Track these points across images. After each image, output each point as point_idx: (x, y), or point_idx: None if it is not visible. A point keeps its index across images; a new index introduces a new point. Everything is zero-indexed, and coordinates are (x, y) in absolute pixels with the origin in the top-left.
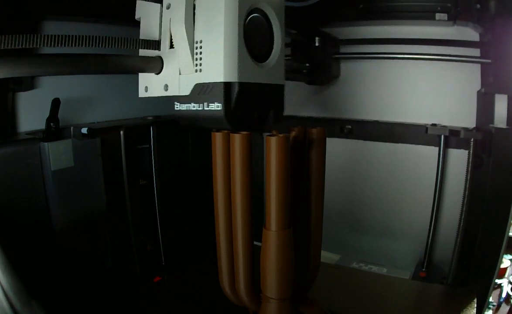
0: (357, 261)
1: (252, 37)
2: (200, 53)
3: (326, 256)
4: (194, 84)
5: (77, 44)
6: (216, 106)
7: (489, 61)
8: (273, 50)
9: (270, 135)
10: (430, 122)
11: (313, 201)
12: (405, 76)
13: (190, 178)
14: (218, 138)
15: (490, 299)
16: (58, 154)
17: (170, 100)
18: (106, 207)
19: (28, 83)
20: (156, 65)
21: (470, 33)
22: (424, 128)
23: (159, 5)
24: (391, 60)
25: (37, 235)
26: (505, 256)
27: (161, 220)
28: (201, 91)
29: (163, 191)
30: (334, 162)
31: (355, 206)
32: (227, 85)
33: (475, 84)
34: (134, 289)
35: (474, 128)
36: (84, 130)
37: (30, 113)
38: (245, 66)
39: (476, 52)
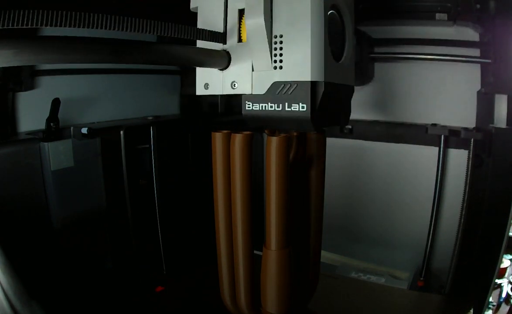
0: (356, 271)
1: (331, 34)
2: (280, 49)
3: (327, 256)
4: (271, 82)
5: (126, 27)
6: (300, 107)
7: (489, 61)
8: (346, 49)
9: (271, 135)
10: (430, 122)
11: (312, 209)
12: (405, 76)
13: (190, 178)
14: (218, 138)
15: (490, 299)
16: (58, 154)
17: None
18: (106, 207)
19: (28, 83)
20: (222, 59)
21: (470, 33)
22: (424, 128)
23: None
24: (391, 60)
25: (37, 235)
26: (505, 256)
27: (161, 219)
28: (280, 90)
29: (163, 191)
30: (334, 162)
31: (355, 207)
32: (313, 85)
33: (475, 84)
34: (136, 297)
35: (474, 128)
36: (84, 130)
37: (30, 113)
38: (329, 65)
39: (476, 52)
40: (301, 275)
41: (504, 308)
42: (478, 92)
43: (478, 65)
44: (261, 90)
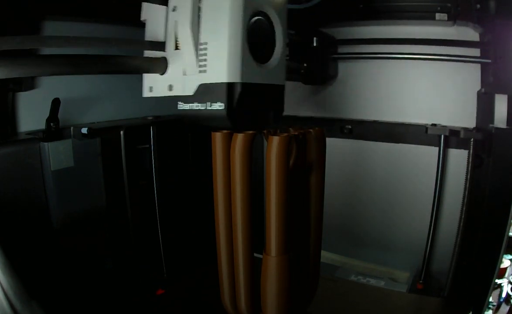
0: (356, 274)
1: (255, 39)
2: (205, 54)
3: (327, 256)
4: (198, 84)
5: (81, 45)
6: (218, 106)
7: (489, 61)
8: (275, 51)
9: (272, 135)
10: (430, 122)
11: (312, 213)
12: (405, 76)
13: (190, 178)
14: (218, 138)
15: (490, 299)
16: (58, 154)
17: (173, 100)
18: (106, 207)
19: (28, 83)
20: (160, 65)
21: (470, 33)
22: (424, 128)
23: (165, 7)
24: (391, 60)
25: (37, 235)
26: (505, 256)
27: (161, 219)
28: (204, 91)
29: (163, 191)
30: (334, 162)
31: (355, 207)
32: (230, 85)
33: (475, 84)
34: (137, 297)
35: (474, 128)
36: (84, 130)
37: (30, 113)
38: (248, 67)
39: (476, 52)
40: (301, 279)
41: (504, 308)
42: (478, 92)
43: (478, 65)
44: (191, 91)
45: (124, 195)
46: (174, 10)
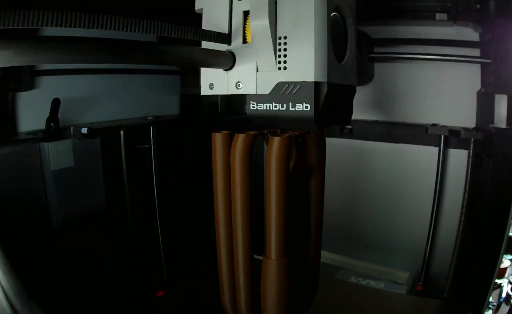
0: (356, 276)
1: (334, 36)
2: (285, 50)
3: (327, 256)
4: (275, 82)
5: (131, 28)
6: (304, 107)
7: (489, 61)
8: (348, 50)
9: (273, 135)
10: (430, 122)
11: (312, 216)
12: (405, 76)
13: (190, 178)
14: (218, 139)
15: (490, 299)
16: (58, 154)
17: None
18: (106, 207)
19: (28, 83)
20: (227, 60)
21: (470, 33)
22: (424, 128)
23: None
24: (391, 60)
25: (37, 235)
26: (505, 256)
27: (161, 219)
28: (284, 91)
29: (163, 191)
30: (334, 162)
31: (355, 207)
32: (317, 85)
33: (475, 84)
34: (137, 297)
35: (474, 128)
36: (84, 130)
37: (30, 113)
38: (332, 66)
39: (476, 52)
40: (301, 282)
41: (504, 308)
42: (478, 92)
43: (478, 65)
44: (266, 90)
45: (124, 195)
46: None
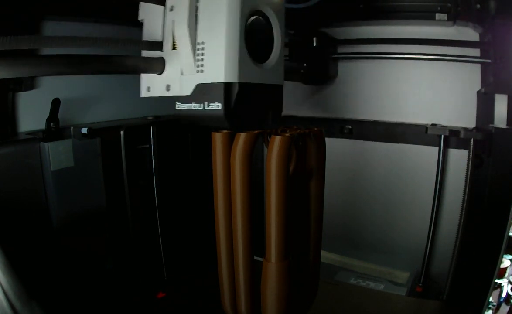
0: (355, 277)
1: (253, 39)
2: (202, 54)
3: (326, 256)
4: (195, 84)
5: (79, 44)
6: (216, 106)
7: (489, 61)
8: (273, 51)
9: (274, 135)
10: (430, 122)
11: (312, 218)
12: (405, 76)
13: (190, 178)
14: (218, 138)
15: (490, 299)
16: (58, 154)
17: (172, 100)
18: (106, 207)
19: (28, 83)
20: (158, 65)
21: (470, 33)
22: (424, 128)
23: (162, 7)
24: (391, 60)
25: (37, 235)
26: (505, 256)
27: (161, 219)
28: (202, 91)
29: (163, 191)
30: (334, 162)
31: (355, 206)
32: (227, 85)
33: (475, 84)
34: (136, 297)
35: (474, 128)
36: (84, 130)
37: (30, 113)
38: (245, 67)
39: (476, 52)
40: (301, 284)
41: (504, 308)
42: (478, 92)
43: (478, 65)
44: (188, 91)
45: (124, 195)
46: (171, 9)
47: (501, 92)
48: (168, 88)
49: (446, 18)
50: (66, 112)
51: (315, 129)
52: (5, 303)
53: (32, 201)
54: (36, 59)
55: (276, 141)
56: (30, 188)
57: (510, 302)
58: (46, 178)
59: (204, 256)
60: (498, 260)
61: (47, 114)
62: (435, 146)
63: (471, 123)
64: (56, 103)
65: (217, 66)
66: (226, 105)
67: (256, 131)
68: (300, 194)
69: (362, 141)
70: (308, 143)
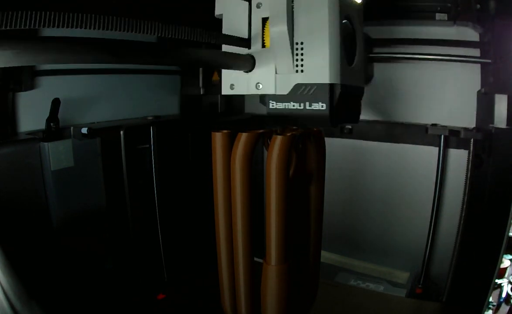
0: (355, 278)
1: (345, 42)
2: (301, 54)
3: (326, 256)
4: (294, 84)
5: (151, 31)
6: (320, 106)
7: (489, 61)
8: (356, 54)
9: (276, 134)
10: (430, 122)
11: (312, 220)
12: (405, 76)
13: (190, 178)
14: (218, 138)
15: (490, 299)
16: (58, 154)
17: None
18: (106, 207)
19: (28, 83)
20: (247, 63)
21: (470, 33)
22: (424, 128)
23: (246, 2)
24: (391, 61)
25: (37, 235)
26: (505, 256)
27: (161, 219)
28: (302, 91)
29: (163, 191)
30: (334, 162)
31: (355, 206)
32: (331, 86)
33: (475, 84)
34: (136, 297)
35: (474, 128)
36: (84, 130)
37: (30, 113)
38: (344, 69)
39: (476, 52)
40: (301, 286)
41: (504, 308)
42: (478, 92)
43: (478, 65)
44: (284, 90)
45: (124, 195)
46: (258, 6)
47: (501, 92)
48: (258, 86)
49: (446, 18)
50: (66, 112)
51: (315, 129)
52: (5, 303)
53: (32, 201)
54: (111, 45)
55: (277, 141)
56: (30, 188)
57: (510, 302)
58: (46, 178)
59: (204, 256)
60: (498, 260)
61: (47, 114)
62: (435, 146)
63: (471, 123)
64: (56, 103)
65: (320, 67)
66: (330, 105)
67: (257, 131)
68: (300, 195)
69: (362, 141)
70: (308, 144)
